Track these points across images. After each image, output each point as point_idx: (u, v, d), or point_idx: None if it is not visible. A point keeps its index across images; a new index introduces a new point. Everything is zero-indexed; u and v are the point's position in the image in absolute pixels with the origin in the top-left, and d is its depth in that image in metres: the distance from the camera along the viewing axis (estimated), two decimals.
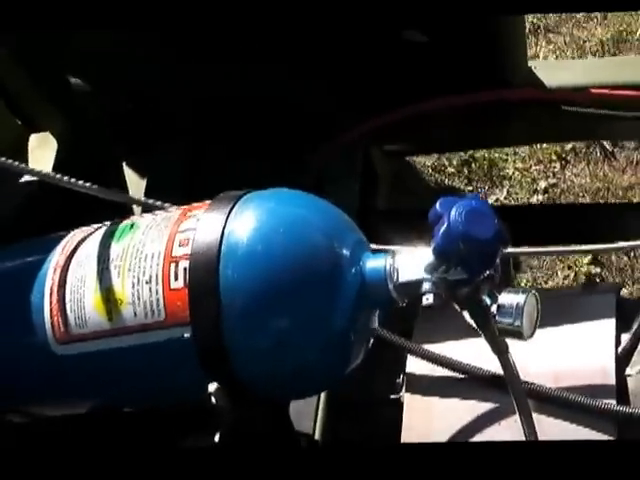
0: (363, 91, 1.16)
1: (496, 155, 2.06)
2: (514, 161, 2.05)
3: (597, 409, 0.87)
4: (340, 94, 1.16)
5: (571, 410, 0.89)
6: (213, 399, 0.77)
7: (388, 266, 0.76)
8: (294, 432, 0.92)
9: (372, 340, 0.82)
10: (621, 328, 0.93)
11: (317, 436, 1.00)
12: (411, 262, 0.75)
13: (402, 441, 0.96)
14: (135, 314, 0.79)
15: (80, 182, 0.90)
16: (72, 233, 0.89)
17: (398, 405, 0.98)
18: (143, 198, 0.94)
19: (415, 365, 0.98)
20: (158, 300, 0.78)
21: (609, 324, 0.93)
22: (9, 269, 0.92)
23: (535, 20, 2.34)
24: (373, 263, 0.77)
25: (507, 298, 0.76)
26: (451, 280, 0.74)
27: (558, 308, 0.99)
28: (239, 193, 0.81)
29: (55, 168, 1.26)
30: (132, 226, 0.84)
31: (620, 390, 0.89)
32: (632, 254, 1.82)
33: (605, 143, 1.97)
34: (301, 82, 1.16)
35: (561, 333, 0.95)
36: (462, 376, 0.95)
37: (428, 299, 0.74)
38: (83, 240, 0.87)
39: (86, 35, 1.14)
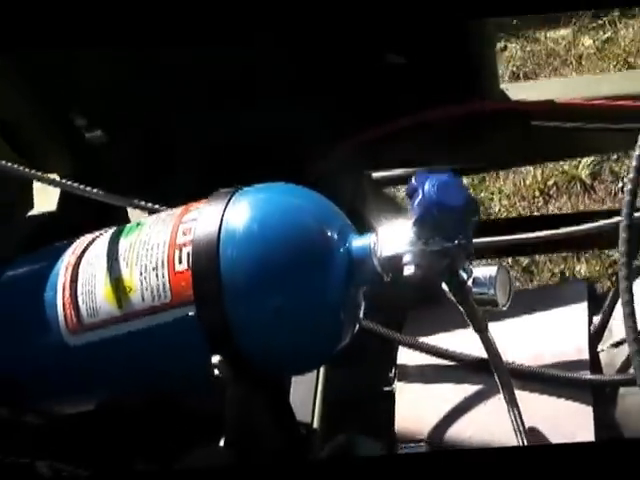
0: (351, 110, 1.24)
1: (482, 195, 2.15)
2: (500, 199, 2.14)
3: (573, 380, 0.94)
4: (330, 115, 1.23)
5: (550, 384, 0.95)
6: (216, 371, 0.83)
7: (372, 244, 0.84)
8: (295, 421, 0.98)
9: (361, 317, 0.89)
10: (593, 310, 1.00)
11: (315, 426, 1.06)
12: (393, 238, 0.83)
13: (396, 429, 1.02)
14: (143, 299, 0.86)
15: (88, 188, 0.98)
16: (82, 237, 0.97)
17: (391, 396, 1.04)
18: (157, 206, 1.01)
19: (406, 357, 1.05)
20: (164, 283, 0.85)
21: (581, 307, 1.00)
22: (22, 274, 0.99)
23: (515, 69, 2.46)
24: (359, 242, 0.85)
25: (481, 271, 0.84)
26: (430, 251, 0.81)
27: (535, 298, 1.06)
28: (236, 187, 0.89)
29: (59, 207, 1.31)
30: (138, 224, 0.92)
31: (594, 364, 0.96)
32: (614, 278, 1.89)
33: (584, 177, 2.07)
34: (294, 106, 1.23)
35: (538, 319, 1.02)
36: (449, 363, 1.02)
37: (409, 269, 0.81)
38: (93, 241, 0.94)
39: (89, 68, 1.21)
